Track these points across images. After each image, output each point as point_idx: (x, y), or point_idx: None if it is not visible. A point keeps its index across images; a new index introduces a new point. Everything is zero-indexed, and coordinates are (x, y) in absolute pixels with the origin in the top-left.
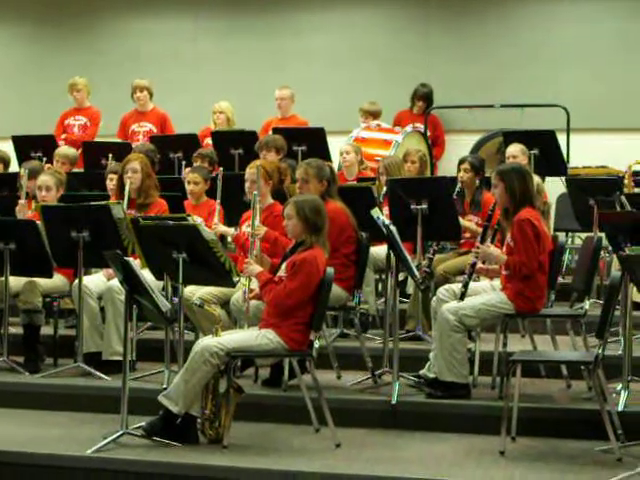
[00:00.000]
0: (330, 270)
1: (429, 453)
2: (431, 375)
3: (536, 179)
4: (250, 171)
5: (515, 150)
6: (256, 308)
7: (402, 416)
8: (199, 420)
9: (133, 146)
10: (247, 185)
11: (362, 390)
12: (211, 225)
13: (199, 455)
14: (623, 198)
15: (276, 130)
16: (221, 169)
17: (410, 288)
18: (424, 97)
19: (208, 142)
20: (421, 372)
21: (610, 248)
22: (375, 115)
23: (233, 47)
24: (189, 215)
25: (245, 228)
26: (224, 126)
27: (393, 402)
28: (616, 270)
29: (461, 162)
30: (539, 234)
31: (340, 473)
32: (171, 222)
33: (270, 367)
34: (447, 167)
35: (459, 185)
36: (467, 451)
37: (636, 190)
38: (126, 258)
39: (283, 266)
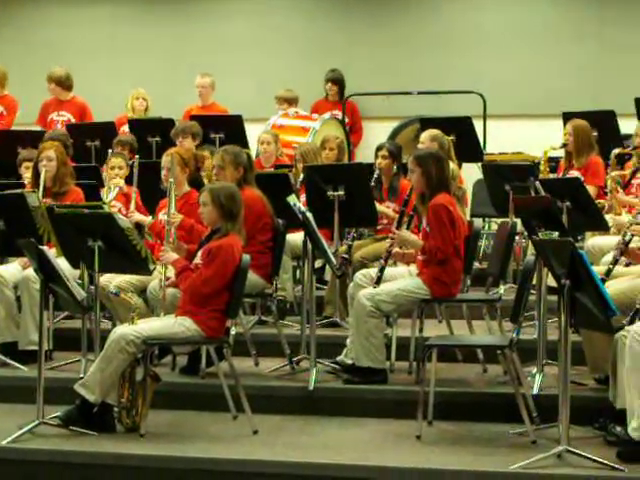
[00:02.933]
0: (246, 257)
1: (346, 438)
2: (348, 361)
3: (451, 165)
4: (166, 159)
5: (423, 137)
6: (173, 296)
7: (320, 402)
8: (116, 409)
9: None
10: (163, 173)
11: (280, 377)
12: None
13: (116, 444)
14: (537, 183)
15: (194, 118)
16: (137, 156)
17: (328, 275)
18: (334, 80)
19: (125, 129)
20: (338, 358)
21: (525, 233)
22: (291, 102)
23: (151, 34)
24: (104, 203)
25: (161, 216)
26: (141, 113)
27: (310, 388)
28: (531, 255)
29: (379, 149)
30: (454, 219)
31: (258, 459)
32: (86, 210)
33: (188, 355)
34: (365, 154)
35: (377, 172)
36: (384, 436)
37: (552, 175)
38: (40, 247)
39: (199, 254)
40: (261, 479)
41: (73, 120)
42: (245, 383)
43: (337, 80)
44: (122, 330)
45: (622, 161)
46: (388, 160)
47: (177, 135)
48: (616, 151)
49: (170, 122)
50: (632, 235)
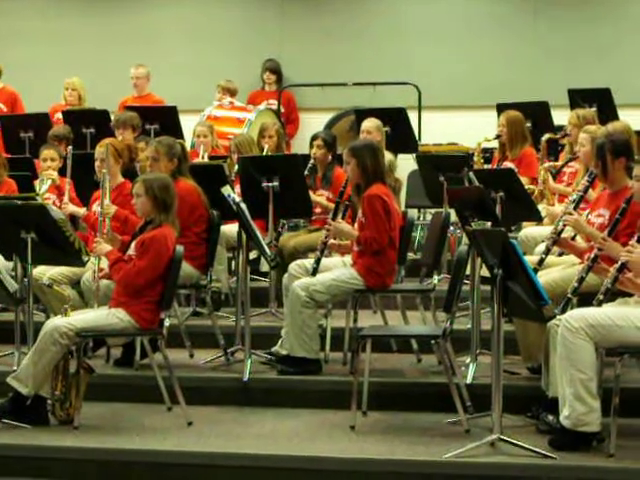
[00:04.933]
0: (180, 248)
1: (281, 429)
2: (283, 352)
3: (389, 156)
4: (99, 150)
5: (370, 126)
6: (107, 287)
7: (254, 393)
8: (49, 401)
9: None
10: (97, 164)
11: (214, 368)
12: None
13: (50, 436)
14: (471, 174)
15: (129, 108)
16: (70, 147)
17: (264, 266)
18: (272, 69)
19: (59, 117)
20: (273, 349)
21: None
22: (233, 93)
23: (88, 24)
24: (37, 195)
25: (95, 207)
26: (75, 103)
27: (245, 379)
28: (464, 245)
29: (314, 138)
30: (389, 210)
31: (192, 451)
32: (19, 202)
33: (122, 347)
34: (300, 145)
35: (311, 161)
36: (319, 426)
37: (486, 167)
38: None
39: (133, 245)
40: (196, 470)
41: (5, 109)
42: (180, 374)
43: (275, 69)
44: (55, 322)
45: (556, 152)
46: (323, 150)
47: (118, 126)
48: (546, 136)
49: (105, 113)
50: (565, 225)
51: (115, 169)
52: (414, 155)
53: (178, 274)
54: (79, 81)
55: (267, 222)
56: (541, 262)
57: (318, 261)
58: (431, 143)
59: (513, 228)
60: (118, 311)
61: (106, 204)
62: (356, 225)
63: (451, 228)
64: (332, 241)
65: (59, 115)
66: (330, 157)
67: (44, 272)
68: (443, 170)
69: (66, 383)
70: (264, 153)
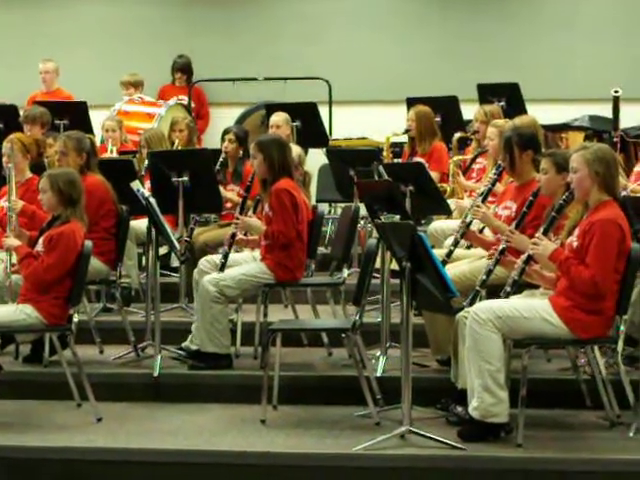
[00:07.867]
0: (88, 243)
1: (191, 424)
2: (193, 347)
3: (298, 150)
4: (6, 145)
5: (279, 120)
6: (15, 284)
7: (164, 388)
8: None
9: None
10: (4, 159)
11: (124, 364)
12: None
13: None
14: (381, 168)
15: (38, 104)
16: None
17: (174, 261)
18: (182, 68)
19: None
20: (184, 344)
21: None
22: (136, 85)
23: None
24: None
25: (2, 203)
26: None
27: (155, 375)
28: (373, 238)
29: (226, 132)
30: (297, 203)
31: (101, 447)
32: None
33: (31, 343)
34: (211, 140)
35: (223, 155)
36: (229, 421)
37: (396, 160)
38: None
39: (40, 240)
40: (106, 466)
41: None
42: (89, 371)
43: (184, 68)
44: None
45: (463, 146)
46: (235, 144)
47: (27, 122)
48: (457, 135)
49: (13, 108)
50: (473, 218)
51: (23, 164)
52: (324, 149)
53: (87, 270)
54: None
55: (177, 217)
56: (449, 254)
57: (226, 256)
58: (341, 137)
59: (423, 222)
60: (26, 307)
61: (13, 200)
62: (263, 219)
63: (361, 222)
64: (240, 236)
65: None
66: (241, 152)
67: None
68: (353, 164)
69: None
70: (174, 147)
